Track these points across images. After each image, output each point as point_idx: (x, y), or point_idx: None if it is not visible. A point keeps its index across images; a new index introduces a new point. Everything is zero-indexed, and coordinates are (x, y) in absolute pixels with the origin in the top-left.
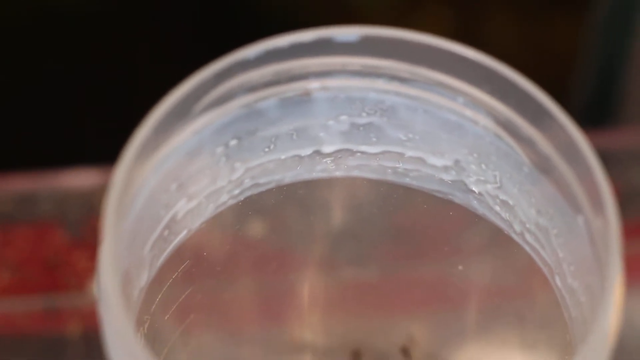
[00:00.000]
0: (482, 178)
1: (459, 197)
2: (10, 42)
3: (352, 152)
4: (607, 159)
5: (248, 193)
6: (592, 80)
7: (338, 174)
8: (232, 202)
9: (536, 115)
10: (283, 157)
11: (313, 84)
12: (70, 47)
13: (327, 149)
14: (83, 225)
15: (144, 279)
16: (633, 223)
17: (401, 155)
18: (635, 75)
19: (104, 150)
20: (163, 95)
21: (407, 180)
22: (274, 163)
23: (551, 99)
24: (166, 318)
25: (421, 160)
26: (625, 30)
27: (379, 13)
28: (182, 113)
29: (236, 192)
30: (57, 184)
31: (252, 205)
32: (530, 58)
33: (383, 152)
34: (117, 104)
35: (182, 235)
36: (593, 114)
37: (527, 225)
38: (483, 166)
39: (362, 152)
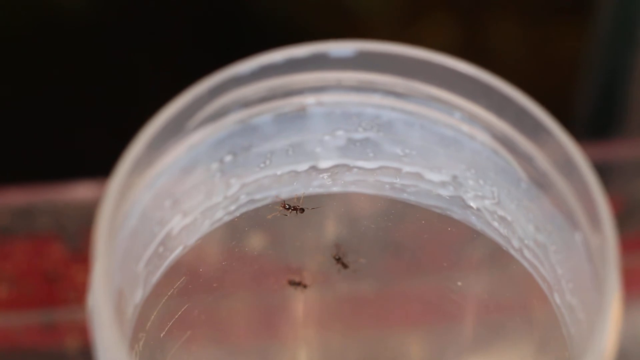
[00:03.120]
0: (480, 194)
1: (457, 213)
2: (8, 53)
3: (348, 168)
4: (611, 170)
5: (244, 209)
6: (596, 91)
7: (335, 189)
8: (228, 218)
9: (533, 130)
10: (279, 172)
11: (308, 99)
12: (68, 58)
13: (324, 164)
14: (81, 239)
15: (138, 296)
16: (638, 236)
17: (398, 170)
18: (638, 86)
19: (103, 162)
20: (164, 106)
21: (404, 196)
22: (270, 179)
23: (549, 113)
24: (162, 335)
25: (419, 176)
26: (629, 41)
27: (384, 23)
28: (175, 129)
29: (232, 208)
30: (55, 197)
31: (248, 221)
32: (536, 67)
33: (380, 168)
34: (116, 116)
35: (177, 251)
36: (597, 124)
37: (526, 242)
38: (481, 182)
39: (359, 168)
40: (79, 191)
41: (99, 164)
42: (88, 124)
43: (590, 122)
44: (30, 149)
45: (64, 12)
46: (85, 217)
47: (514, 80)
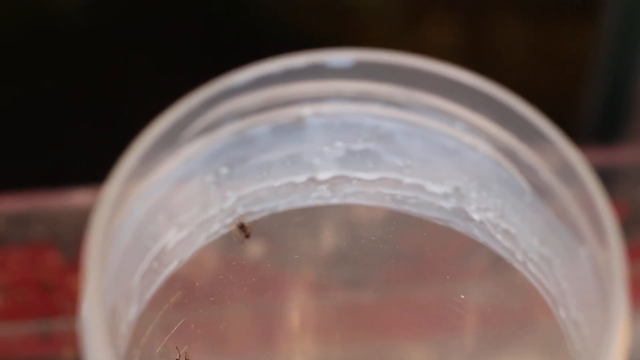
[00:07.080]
0: (483, 206)
1: (459, 225)
2: (2, 59)
3: (348, 179)
4: (617, 175)
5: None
6: (602, 94)
7: (334, 201)
8: (224, 230)
9: (536, 141)
10: (277, 184)
11: (306, 110)
12: (64, 63)
13: (322, 175)
14: (77, 247)
15: (132, 312)
16: None
17: (399, 182)
18: None
19: (99, 169)
20: (162, 113)
21: (406, 208)
22: (267, 191)
23: (554, 116)
24: (158, 351)
25: (420, 187)
26: (636, 43)
27: (386, 23)
28: (169, 141)
29: (228, 220)
30: (50, 205)
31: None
32: (540, 69)
33: (380, 179)
34: (112, 122)
35: (172, 265)
36: (603, 128)
37: (530, 255)
38: (484, 194)
39: (359, 179)
40: (75, 198)
41: (95, 170)
42: (85, 129)
43: (596, 126)
44: (24, 155)
45: (58, 15)
46: (82, 225)
47: (518, 82)
